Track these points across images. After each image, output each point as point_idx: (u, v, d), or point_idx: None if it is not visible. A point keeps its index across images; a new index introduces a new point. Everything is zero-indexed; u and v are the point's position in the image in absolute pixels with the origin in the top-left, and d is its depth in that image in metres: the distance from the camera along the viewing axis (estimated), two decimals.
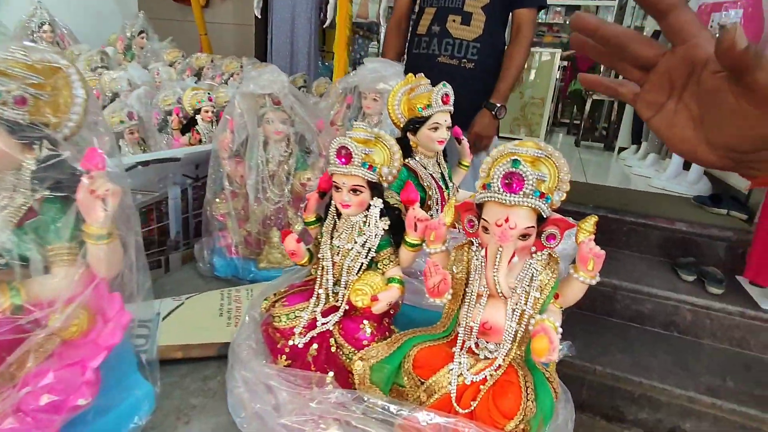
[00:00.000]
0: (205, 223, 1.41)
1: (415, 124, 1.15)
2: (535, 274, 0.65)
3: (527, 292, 0.65)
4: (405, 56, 2.14)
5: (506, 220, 0.62)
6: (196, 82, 2.21)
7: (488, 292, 0.66)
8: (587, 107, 4.71)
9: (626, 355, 2.10)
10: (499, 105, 1.78)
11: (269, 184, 1.35)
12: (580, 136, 4.82)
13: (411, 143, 1.20)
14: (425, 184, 1.18)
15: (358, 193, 0.75)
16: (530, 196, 0.61)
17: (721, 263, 2.32)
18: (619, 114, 4.39)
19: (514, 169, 0.61)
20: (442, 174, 1.24)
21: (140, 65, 2.45)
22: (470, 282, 0.69)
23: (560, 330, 0.61)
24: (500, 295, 0.63)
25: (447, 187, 1.25)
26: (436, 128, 1.13)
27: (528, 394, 0.60)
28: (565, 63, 5.49)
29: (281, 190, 1.34)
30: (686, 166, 3.28)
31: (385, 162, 0.78)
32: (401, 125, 1.18)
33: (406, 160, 1.16)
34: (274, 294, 0.84)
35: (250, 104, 1.35)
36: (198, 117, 1.89)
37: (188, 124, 1.86)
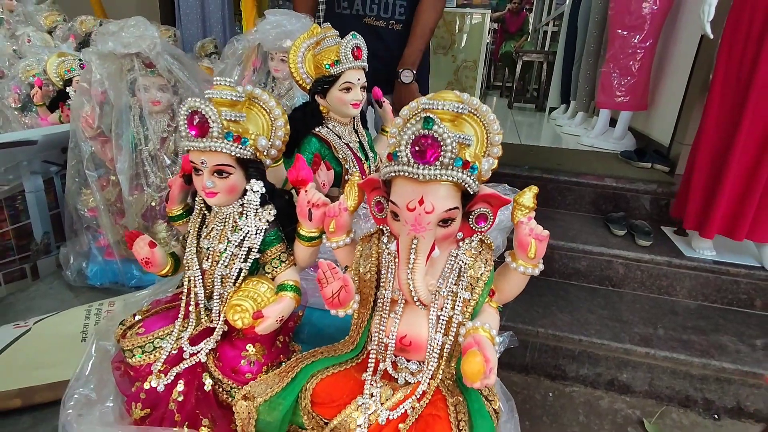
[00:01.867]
0: (69, 222, 1.12)
1: (323, 84, 0.93)
2: (463, 269, 0.49)
3: (454, 293, 0.49)
4: (320, 13, 1.86)
5: (420, 202, 0.45)
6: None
7: (404, 297, 0.50)
8: (518, 69, 4.71)
9: (566, 314, 2.12)
10: (402, 71, 1.59)
11: (150, 167, 1.08)
12: (513, 98, 4.85)
13: (321, 108, 0.99)
14: (340, 156, 0.98)
15: (224, 175, 0.54)
16: (450, 167, 0.44)
17: (648, 215, 2.39)
18: (548, 75, 4.42)
19: (426, 131, 0.43)
20: (360, 143, 1.04)
21: (10, 31, 1.99)
22: (381, 284, 0.52)
23: (498, 340, 0.47)
24: (416, 303, 0.47)
25: (367, 159, 1.06)
26: (348, 89, 0.92)
27: (460, 430, 0.46)
28: (495, 25, 5.39)
29: (166, 173, 1.08)
30: (612, 123, 3.35)
31: (263, 131, 0.57)
32: (307, 87, 0.96)
33: (317, 129, 0.95)
34: (134, 315, 0.63)
35: (111, 68, 1.05)
36: (69, 89, 1.52)
37: (56, 99, 1.49)
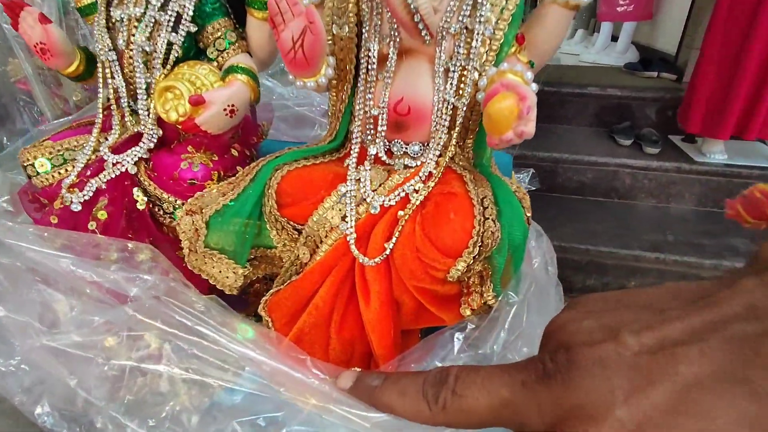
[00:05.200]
0: None
1: None
2: None
3: (469, 30, 0.34)
4: None
5: None
6: None
7: (398, 47, 0.35)
8: None
9: (571, 226, 2.04)
10: None
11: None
12: None
13: None
14: None
15: None
16: None
17: (654, 125, 2.27)
18: None
19: None
20: None
21: None
22: (364, 39, 0.37)
23: (534, 86, 0.32)
24: (420, 28, 0.32)
25: None
26: None
27: (485, 208, 0.32)
28: None
29: None
30: (614, 38, 3.16)
31: None
32: None
33: None
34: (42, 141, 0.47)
35: None
36: None
37: None
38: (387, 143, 0.37)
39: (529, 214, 0.38)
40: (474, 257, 0.31)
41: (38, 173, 0.42)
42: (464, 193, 0.33)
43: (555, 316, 0.21)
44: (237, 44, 0.43)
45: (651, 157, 2.32)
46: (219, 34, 0.42)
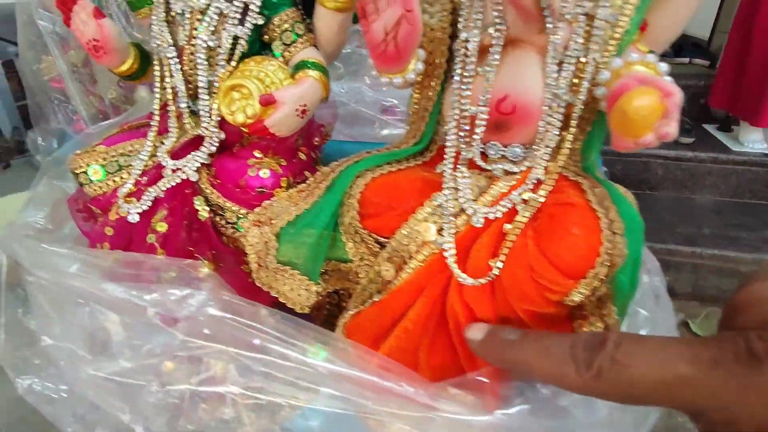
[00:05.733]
0: (32, 96, 0.92)
1: None
2: None
3: (589, 16, 0.30)
4: None
5: None
6: None
7: (505, 35, 0.31)
8: None
9: None
10: None
11: (121, 21, 0.85)
12: None
13: None
14: None
15: None
16: None
17: (687, 113, 2.19)
18: None
19: None
20: None
21: None
22: (462, 26, 0.32)
23: (669, 78, 0.28)
24: (545, 14, 0.28)
25: None
26: None
27: (612, 221, 0.28)
28: None
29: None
30: None
31: None
32: None
33: None
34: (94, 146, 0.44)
35: None
36: None
37: None
38: (482, 145, 0.33)
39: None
40: (601, 279, 0.28)
41: (91, 181, 0.39)
42: (585, 203, 0.29)
43: (746, 284, 0.16)
44: (305, 37, 0.39)
45: (684, 146, 2.24)
46: (286, 26, 0.38)
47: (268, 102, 0.35)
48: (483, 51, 0.32)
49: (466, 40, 0.32)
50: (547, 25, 0.28)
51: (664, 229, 1.80)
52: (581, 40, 0.30)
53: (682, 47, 2.61)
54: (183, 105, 0.40)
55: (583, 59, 0.30)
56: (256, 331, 0.31)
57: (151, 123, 0.40)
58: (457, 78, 0.32)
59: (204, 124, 0.39)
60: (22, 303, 0.38)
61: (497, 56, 0.31)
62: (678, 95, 0.25)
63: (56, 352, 0.37)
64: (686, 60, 2.55)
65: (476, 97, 0.32)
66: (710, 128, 2.24)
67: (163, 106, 0.40)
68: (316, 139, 0.43)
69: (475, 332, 0.26)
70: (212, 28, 0.37)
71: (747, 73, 1.71)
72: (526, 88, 0.31)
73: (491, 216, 0.30)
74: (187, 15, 0.37)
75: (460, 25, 0.32)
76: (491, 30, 0.31)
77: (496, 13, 0.31)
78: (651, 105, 0.25)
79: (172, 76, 0.39)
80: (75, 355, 0.35)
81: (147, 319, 0.33)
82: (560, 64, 0.30)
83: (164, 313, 0.29)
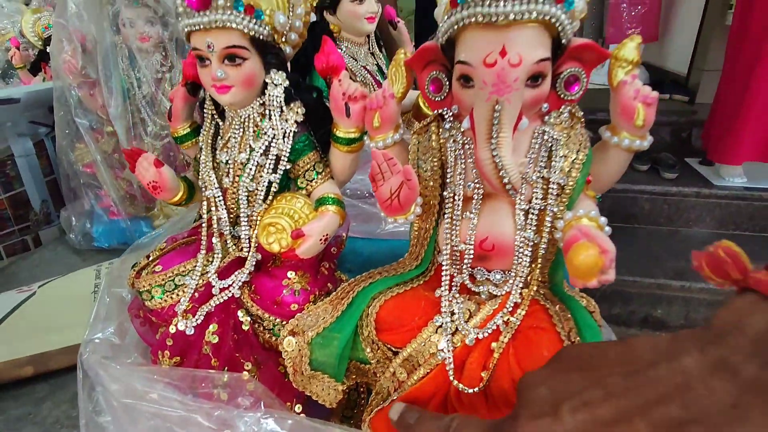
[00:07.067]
0: (66, 181, 1.01)
1: None
2: (554, 148, 0.39)
3: (545, 179, 0.39)
4: None
5: (502, 54, 0.34)
6: None
7: (483, 191, 0.40)
8: None
9: None
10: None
11: (147, 114, 0.96)
12: None
13: (331, 27, 0.87)
14: (358, 80, 0.87)
15: (238, 61, 0.43)
16: (541, 0, 0.33)
17: (670, 147, 2.29)
18: None
19: None
20: (378, 66, 0.93)
21: None
22: (449, 181, 0.42)
23: (608, 229, 0.37)
24: (507, 188, 0.37)
25: None
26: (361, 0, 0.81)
27: (572, 342, 0.37)
28: None
29: (165, 119, 0.96)
30: None
31: (279, 5, 0.46)
32: (314, 2, 0.84)
33: None
34: (148, 256, 0.53)
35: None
36: (50, 48, 1.37)
37: (37, 60, 1.35)
38: (471, 269, 0.42)
39: (601, 326, 0.42)
40: None
41: (152, 298, 0.47)
42: (551, 327, 0.37)
43: (534, 371, 0.24)
44: (324, 173, 0.48)
45: (669, 182, 2.36)
46: (308, 167, 0.48)
47: (298, 236, 0.44)
48: (467, 200, 0.41)
49: (453, 193, 0.41)
50: (511, 192, 0.37)
51: (653, 264, 1.88)
52: (540, 197, 0.39)
53: (662, 83, 2.74)
54: (226, 231, 0.49)
55: (543, 210, 0.39)
56: None
57: (201, 247, 0.48)
58: (447, 219, 0.41)
59: (245, 248, 0.48)
60: (94, 404, 0.46)
61: (478, 206, 0.40)
62: (612, 253, 0.34)
63: None
64: (666, 96, 2.67)
65: (464, 235, 0.41)
66: (693, 162, 2.34)
67: (210, 233, 0.49)
68: (333, 248, 0.52)
69: (393, 412, 0.30)
70: (251, 176, 0.46)
71: (716, 115, 1.82)
72: (502, 231, 0.40)
73: (481, 336, 0.38)
74: (231, 164, 0.47)
75: (447, 180, 0.42)
76: (472, 186, 0.40)
77: (474, 175, 0.40)
78: (593, 261, 0.33)
79: (217, 209, 0.48)
80: None
81: None
82: (526, 213, 0.39)
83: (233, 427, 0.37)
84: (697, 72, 2.55)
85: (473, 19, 0.34)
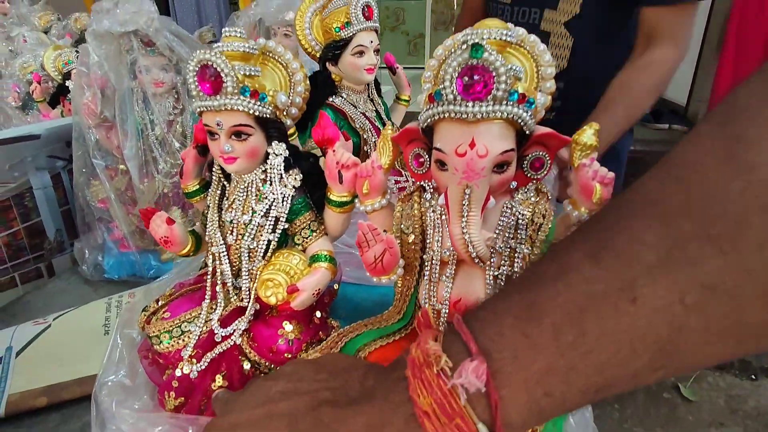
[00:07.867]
0: (80, 215, 1.08)
1: (334, 50, 0.87)
2: (521, 221, 0.44)
3: (512, 249, 0.44)
4: None
5: (471, 145, 0.39)
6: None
7: (456, 257, 0.45)
8: None
9: None
10: None
11: (159, 153, 1.03)
12: None
13: (333, 77, 0.93)
14: (357, 126, 0.93)
15: (243, 137, 0.49)
16: (505, 102, 0.39)
17: None
18: None
19: (475, 61, 0.38)
20: (377, 112, 0.99)
21: (4, 33, 1.94)
22: (428, 246, 0.47)
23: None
24: (475, 261, 0.42)
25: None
26: (361, 52, 0.87)
27: None
28: None
29: (176, 158, 1.03)
30: None
31: (281, 86, 0.52)
32: (317, 54, 0.91)
33: (330, 99, 0.91)
34: (157, 300, 0.58)
35: (109, 49, 1.00)
36: (69, 83, 1.46)
37: (57, 94, 1.44)
38: (446, 324, 0.47)
39: None
40: None
41: (161, 342, 0.52)
42: None
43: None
44: (318, 231, 0.54)
45: None
46: (304, 225, 0.53)
47: (293, 291, 0.49)
48: (444, 264, 0.46)
49: (431, 257, 0.46)
50: (479, 264, 0.42)
51: None
52: (508, 264, 0.44)
53: (662, 113, 2.78)
54: (229, 282, 0.54)
55: (510, 276, 0.44)
56: None
57: (206, 296, 0.54)
58: (426, 280, 0.46)
59: (245, 299, 0.53)
60: None
61: (453, 270, 0.45)
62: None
63: None
64: (665, 126, 2.71)
65: (441, 296, 0.46)
66: None
67: (213, 283, 0.54)
68: (326, 298, 0.57)
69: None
70: (252, 236, 0.52)
71: None
72: (474, 294, 0.45)
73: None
74: (235, 224, 0.52)
75: (427, 244, 0.47)
76: (447, 252, 0.45)
77: (449, 243, 0.45)
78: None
79: (221, 263, 0.53)
80: None
81: None
82: (495, 279, 0.44)
83: None
84: (696, 102, 2.59)
85: (446, 115, 0.40)
